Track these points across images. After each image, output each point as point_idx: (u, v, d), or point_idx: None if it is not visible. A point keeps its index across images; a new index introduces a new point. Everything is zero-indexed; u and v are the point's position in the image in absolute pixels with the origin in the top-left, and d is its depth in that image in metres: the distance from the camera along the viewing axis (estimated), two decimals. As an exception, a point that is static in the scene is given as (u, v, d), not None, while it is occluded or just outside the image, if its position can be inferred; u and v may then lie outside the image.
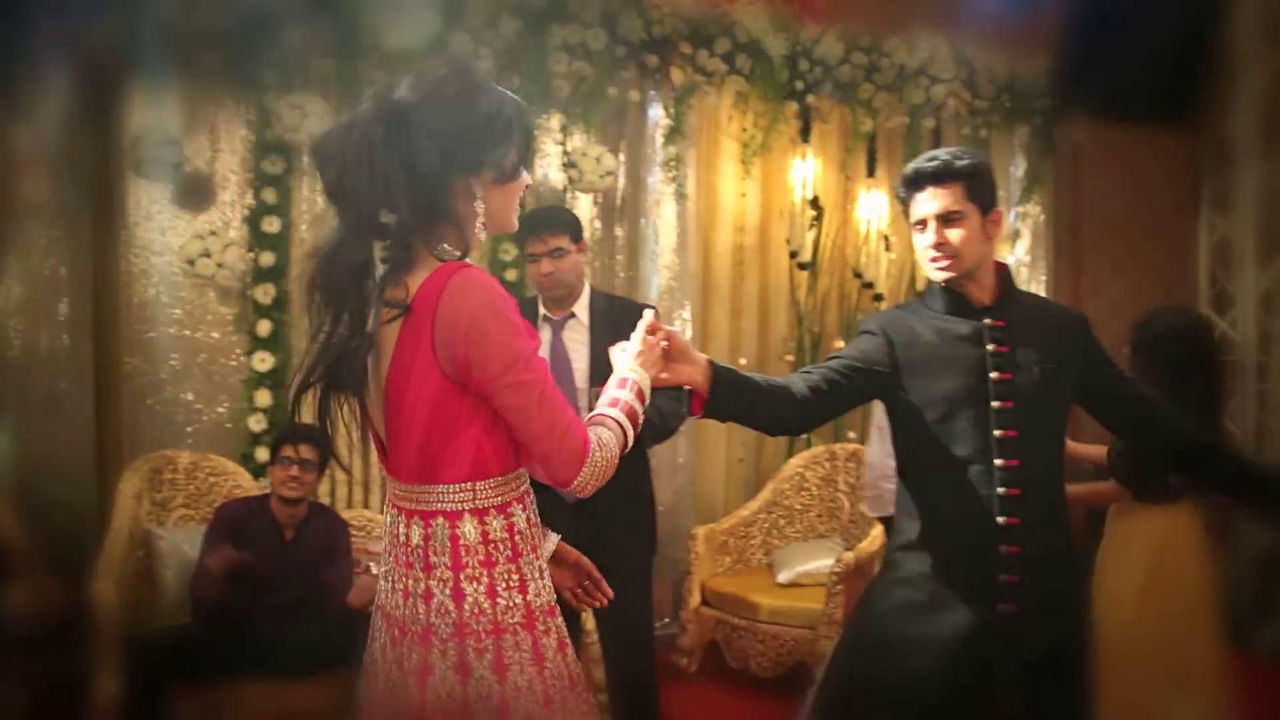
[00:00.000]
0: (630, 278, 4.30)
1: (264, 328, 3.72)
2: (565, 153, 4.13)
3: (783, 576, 3.77)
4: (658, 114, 4.31)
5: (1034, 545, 1.71)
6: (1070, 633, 1.79)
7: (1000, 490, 1.71)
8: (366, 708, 1.41)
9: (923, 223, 1.78)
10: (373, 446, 1.43)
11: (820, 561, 3.69)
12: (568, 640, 1.39)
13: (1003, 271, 1.84)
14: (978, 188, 1.75)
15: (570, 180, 4.11)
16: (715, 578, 3.89)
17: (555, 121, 4.15)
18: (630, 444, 1.40)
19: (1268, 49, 4.68)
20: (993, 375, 1.74)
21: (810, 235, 4.53)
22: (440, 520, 1.31)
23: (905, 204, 1.82)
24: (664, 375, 1.54)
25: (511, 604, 1.32)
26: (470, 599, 1.30)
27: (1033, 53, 4.72)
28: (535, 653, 1.32)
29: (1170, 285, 5.16)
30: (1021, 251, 4.93)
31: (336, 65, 3.72)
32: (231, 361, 3.73)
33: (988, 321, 1.77)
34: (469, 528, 1.31)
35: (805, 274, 4.53)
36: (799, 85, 4.47)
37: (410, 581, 1.33)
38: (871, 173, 4.70)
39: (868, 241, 4.53)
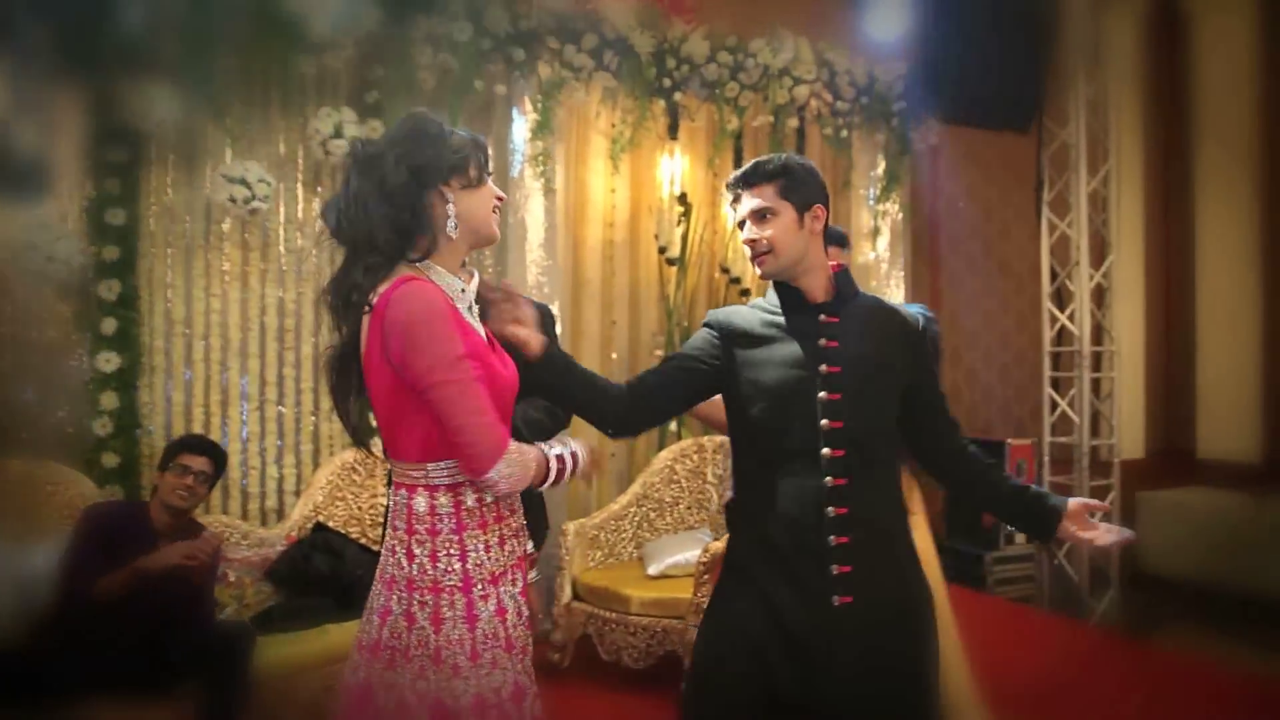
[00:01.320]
0: (499, 273, 4.28)
1: (109, 326, 3.53)
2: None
3: (653, 569, 3.83)
4: (525, 108, 4.29)
5: (864, 536, 1.74)
6: (910, 625, 1.79)
7: (828, 480, 1.74)
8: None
9: (743, 223, 1.86)
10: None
11: (690, 553, 3.77)
12: (509, 608, 1.59)
13: (839, 272, 1.90)
14: (791, 186, 1.81)
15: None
16: (587, 572, 3.93)
17: (420, 114, 4.09)
18: (553, 480, 1.62)
19: (1096, 67, 5.04)
20: (822, 368, 1.78)
21: (679, 231, 4.61)
22: (402, 491, 1.57)
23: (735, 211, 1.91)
24: (508, 330, 1.66)
25: (450, 569, 1.53)
26: (417, 560, 1.53)
27: (889, 58, 4.93)
28: (469, 613, 1.53)
29: (1021, 281, 5.53)
30: (882, 248, 5.13)
31: (186, 48, 3.52)
32: (72, 362, 3.51)
33: (821, 317, 1.82)
34: (420, 501, 1.54)
35: (674, 269, 4.61)
36: (666, 82, 4.53)
37: (387, 536, 1.59)
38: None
39: (734, 237, 4.63)
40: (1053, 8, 4.65)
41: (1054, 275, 5.20)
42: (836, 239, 2.85)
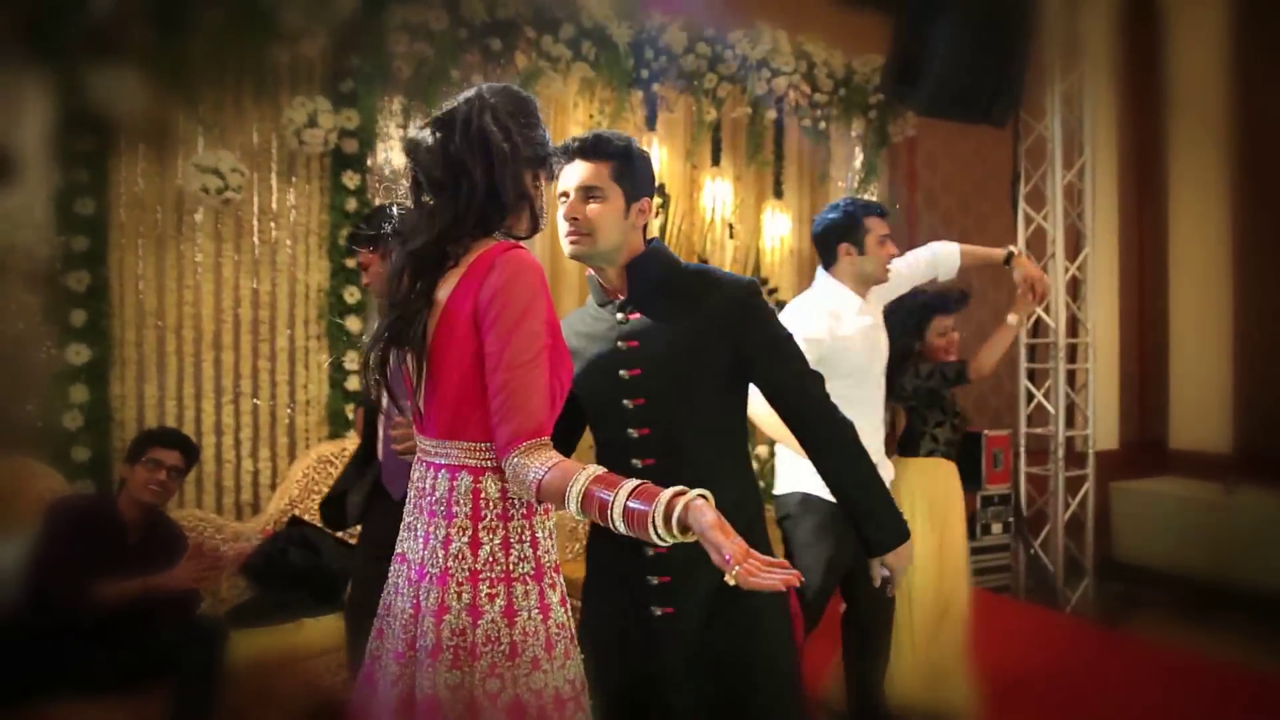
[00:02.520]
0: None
1: (78, 318, 3.47)
2: (408, 136, 4.02)
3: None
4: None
5: (686, 545, 1.62)
6: (743, 638, 1.67)
7: None
8: (377, 648, 1.51)
9: (565, 195, 1.72)
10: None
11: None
12: (567, 598, 1.51)
13: (640, 256, 1.74)
14: (626, 171, 1.70)
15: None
16: (565, 564, 3.89)
17: (397, 104, 4.05)
18: (586, 514, 1.33)
19: (1072, 63, 5.08)
20: (622, 373, 1.69)
21: (656, 222, 4.61)
22: (464, 475, 1.44)
23: (557, 179, 1.74)
24: None
25: (523, 556, 1.44)
26: (486, 548, 1.42)
27: (867, 50, 4.96)
28: (542, 602, 1.44)
29: (998, 273, 5.53)
30: None
31: (156, 34, 3.47)
32: (40, 354, 3.45)
33: (619, 315, 1.73)
34: (490, 484, 1.44)
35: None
36: (644, 73, 4.52)
37: (433, 528, 1.45)
38: (716, 161, 4.82)
39: (712, 229, 4.66)
40: (1029, 2, 4.66)
41: None
42: (878, 210, 2.81)
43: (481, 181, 1.43)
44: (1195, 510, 5.52)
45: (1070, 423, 5.27)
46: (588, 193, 1.69)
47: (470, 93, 1.50)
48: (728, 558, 1.20)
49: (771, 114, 4.83)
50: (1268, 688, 3.58)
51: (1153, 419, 6.46)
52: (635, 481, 1.29)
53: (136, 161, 3.67)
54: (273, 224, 3.94)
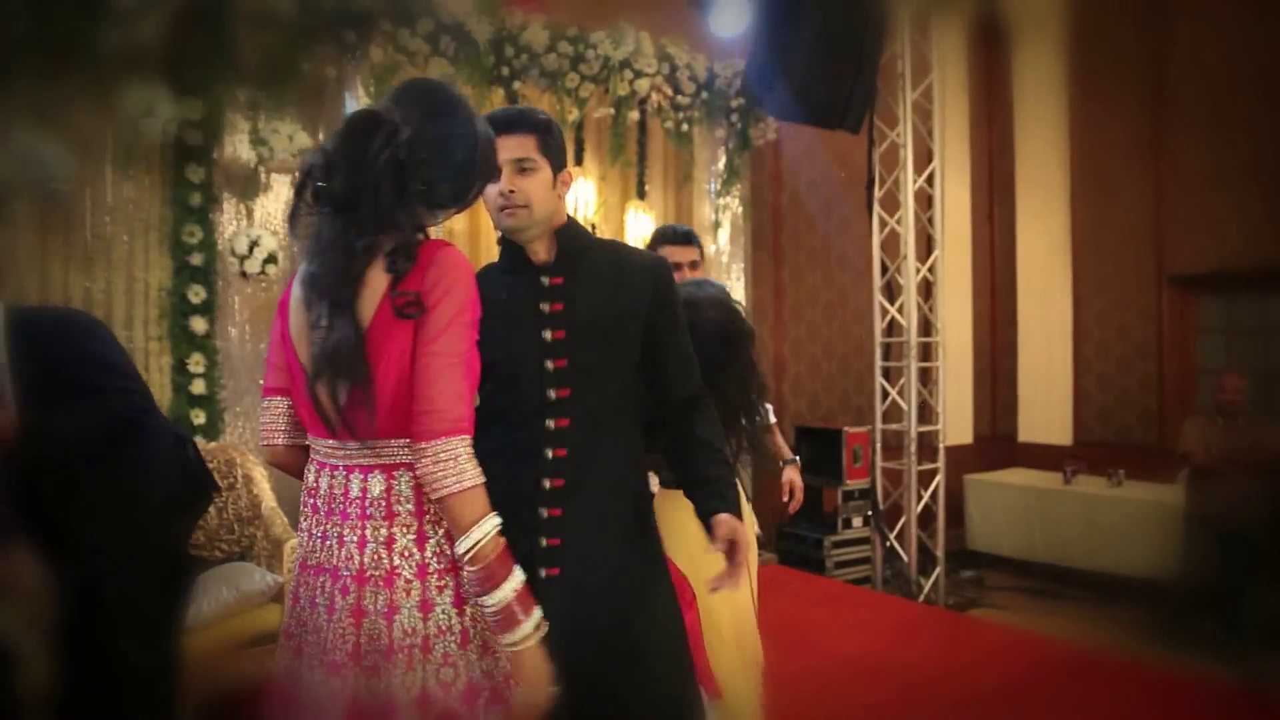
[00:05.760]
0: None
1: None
2: (255, 129, 3.91)
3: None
4: (358, 93, 4.19)
5: (579, 508, 1.68)
6: (628, 603, 1.70)
7: (548, 453, 1.68)
8: (302, 669, 1.46)
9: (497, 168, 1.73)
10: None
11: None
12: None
13: (566, 224, 1.80)
14: (551, 144, 1.74)
15: (260, 159, 3.91)
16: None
17: (243, 95, 3.92)
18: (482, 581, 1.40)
19: (922, 75, 5.30)
20: (546, 334, 1.70)
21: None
22: (403, 471, 1.44)
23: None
24: None
25: (441, 552, 1.46)
26: (432, 540, 1.44)
27: (728, 55, 5.07)
28: (458, 597, 1.46)
29: (859, 274, 5.78)
30: (724, 241, 5.28)
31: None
32: None
33: (544, 279, 1.74)
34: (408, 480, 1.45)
35: None
36: (505, 71, 4.50)
37: (369, 531, 1.44)
38: (579, 161, 4.84)
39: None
40: (881, 13, 4.86)
41: (884, 269, 5.45)
42: (674, 237, 2.85)
43: (397, 209, 1.44)
44: (1039, 499, 5.84)
45: (924, 419, 5.49)
46: (519, 165, 1.71)
47: (386, 106, 1.48)
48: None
49: (634, 115, 4.88)
50: (1108, 663, 3.79)
51: (1004, 414, 6.80)
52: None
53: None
54: (108, 218, 3.75)
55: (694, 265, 2.98)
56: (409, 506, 1.44)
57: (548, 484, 1.68)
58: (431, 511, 1.44)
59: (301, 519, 1.54)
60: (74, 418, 1.79)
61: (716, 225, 5.25)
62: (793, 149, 5.58)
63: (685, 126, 5.06)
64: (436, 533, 1.44)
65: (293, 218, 1.49)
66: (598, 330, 1.72)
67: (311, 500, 1.51)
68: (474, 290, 1.46)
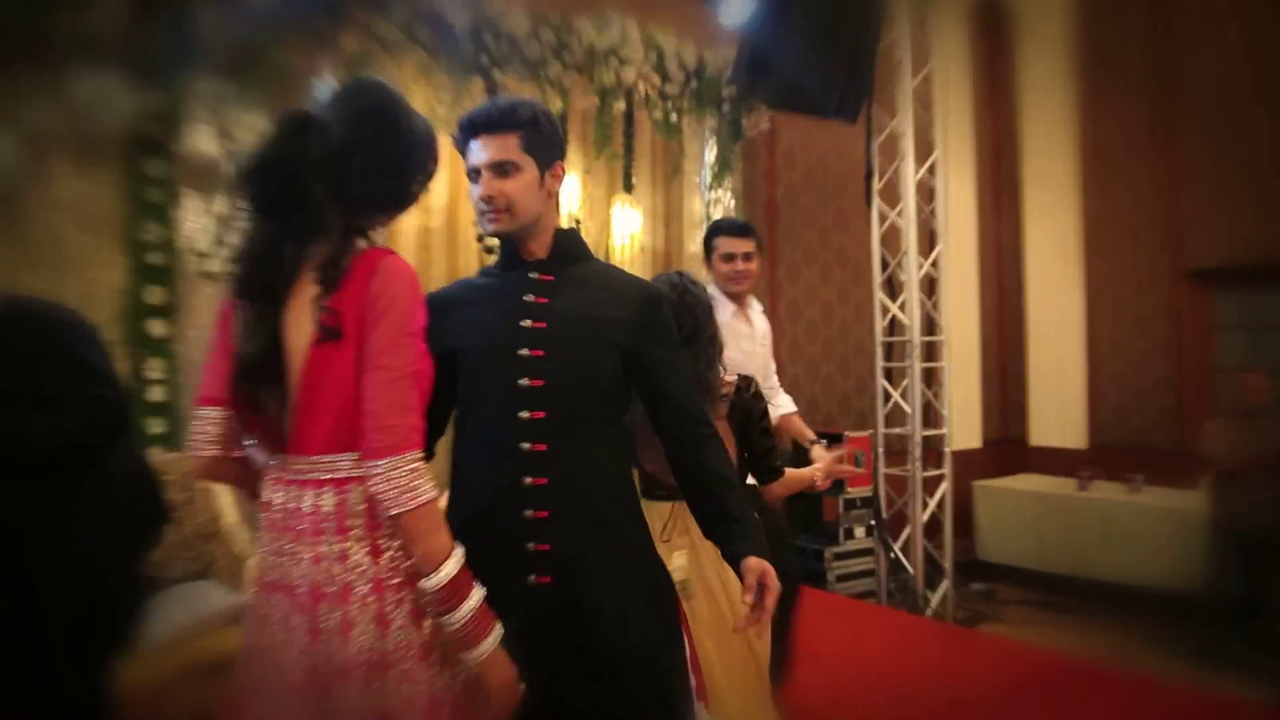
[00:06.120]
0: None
1: None
2: (219, 121, 3.74)
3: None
4: (329, 83, 3.99)
5: (568, 509, 1.61)
6: (629, 613, 1.63)
7: (525, 446, 1.61)
8: (261, 690, 1.44)
9: (475, 172, 1.69)
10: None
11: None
12: None
13: (565, 231, 1.78)
14: (536, 139, 1.68)
15: (224, 152, 3.74)
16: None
17: (206, 85, 3.74)
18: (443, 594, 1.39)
19: (922, 61, 5.12)
20: (525, 323, 1.66)
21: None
22: (355, 486, 1.42)
23: (463, 154, 1.74)
24: None
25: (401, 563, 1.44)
26: (387, 554, 1.42)
27: (718, 42, 4.87)
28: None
29: (859, 270, 5.60)
30: None
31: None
32: None
33: (533, 274, 1.71)
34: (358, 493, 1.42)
35: (493, 258, 4.42)
36: (485, 60, 4.31)
37: (322, 547, 1.42)
38: (562, 155, 4.65)
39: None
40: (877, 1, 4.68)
41: (885, 265, 5.26)
42: (730, 229, 3.05)
43: (329, 214, 1.42)
44: (1053, 506, 5.62)
45: (928, 422, 5.29)
46: (499, 169, 1.66)
47: (320, 106, 1.48)
48: None
49: (621, 105, 4.69)
50: (1127, 681, 3.60)
51: (1013, 416, 6.58)
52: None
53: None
54: (60, 215, 3.55)
55: (748, 258, 3.02)
56: (362, 521, 1.42)
57: (528, 480, 1.61)
58: (385, 525, 1.41)
59: (259, 536, 1.53)
60: (47, 423, 1.76)
61: (708, 220, 5.02)
62: (788, 140, 5.40)
63: (674, 117, 4.88)
64: (391, 546, 1.42)
65: (228, 222, 1.48)
66: (576, 326, 1.67)
67: (267, 516, 1.49)
68: (419, 299, 1.44)
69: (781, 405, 3.32)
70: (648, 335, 1.71)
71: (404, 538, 1.38)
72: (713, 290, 2.98)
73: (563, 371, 1.64)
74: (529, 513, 1.60)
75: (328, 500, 1.42)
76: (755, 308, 3.22)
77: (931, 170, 5.24)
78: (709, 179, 5.06)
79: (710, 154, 5.04)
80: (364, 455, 1.37)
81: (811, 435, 3.02)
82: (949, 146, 5.53)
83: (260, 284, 1.41)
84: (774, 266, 5.44)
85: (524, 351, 1.64)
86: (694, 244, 4.98)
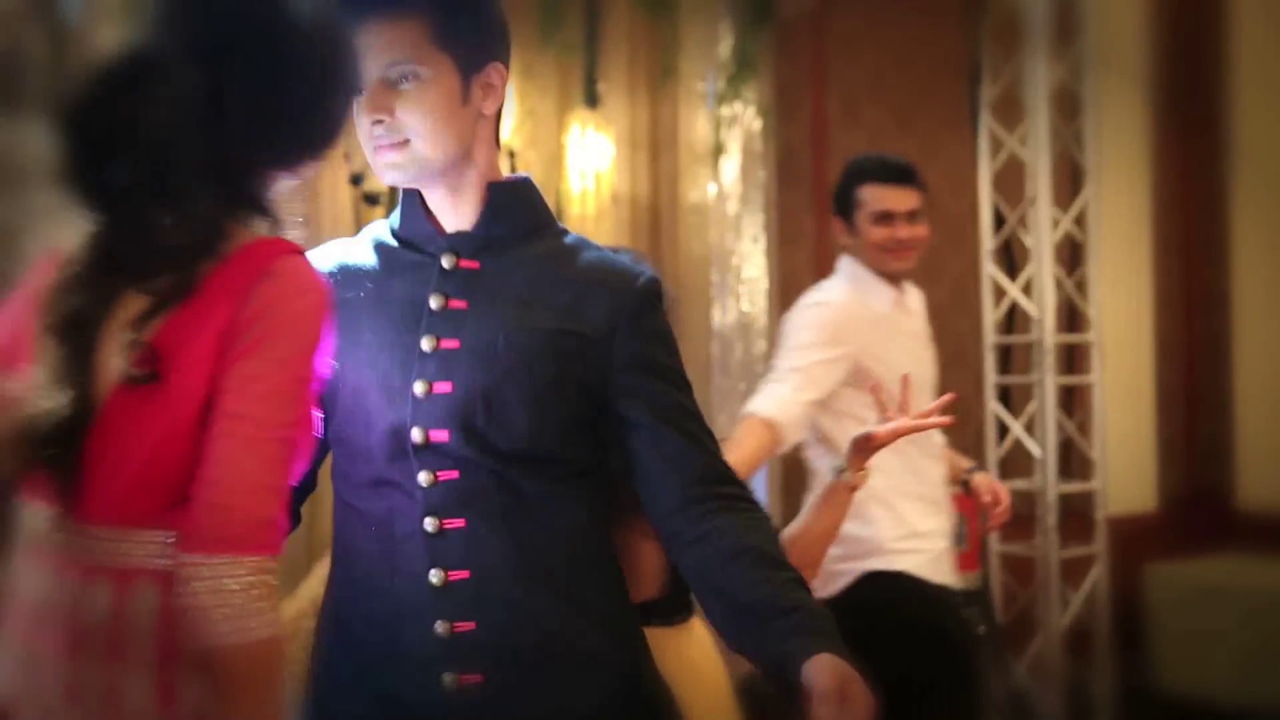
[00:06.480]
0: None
1: None
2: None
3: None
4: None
5: (514, 630, 1.30)
6: None
7: (428, 524, 1.26)
8: None
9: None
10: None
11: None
12: None
13: (508, 184, 1.38)
14: (453, 25, 1.28)
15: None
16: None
17: None
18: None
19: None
20: (425, 345, 1.30)
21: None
22: (146, 585, 1.14)
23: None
24: None
25: None
26: (185, 703, 1.13)
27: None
28: None
29: (962, 228, 4.55)
30: (729, 176, 4.00)
31: None
32: None
33: (446, 261, 1.32)
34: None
35: (376, 209, 3.66)
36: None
37: (87, 674, 1.11)
38: (504, 50, 3.60)
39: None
40: None
41: (1000, 221, 4.22)
42: (885, 172, 2.64)
43: (186, 195, 1.14)
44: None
45: (1069, 469, 4.29)
46: (394, 78, 1.31)
47: (149, 36, 1.20)
48: None
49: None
50: None
51: (1211, 463, 5.39)
52: None
53: None
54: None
55: (914, 217, 2.68)
56: (151, 641, 1.08)
57: (437, 578, 1.27)
58: (192, 658, 1.09)
59: None
60: None
61: (718, 151, 3.97)
62: (845, 25, 4.30)
63: (671, -10, 4.09)
64: (193, 692, 1.08)
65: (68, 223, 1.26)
66: (512, 353, 1.30)
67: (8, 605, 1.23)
68: (321, 327, 1.13)
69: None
70: (626, 355, 1.35)
71: (220, 684, 1.05)
72: (848, 267, 2.66)
73: (487, 421, 1.32)
74: (442, 628, 1.28)
75: (101, 600, 1.09)
76: (912, 292, 2.86)
77: (1076, 70, 4.13)
78: (719, 86, 4.02)
79: (722, 45, 4.01)
80: (181, 542, 1.07)
81: (965, 461, 2.87)
82: (1108, 29, 4.40)
83: (69, 317, 1.12)
84: (820, 221, 4.37)
85: (418, 387, 1.30)
86: (697, 190, 3.98)
